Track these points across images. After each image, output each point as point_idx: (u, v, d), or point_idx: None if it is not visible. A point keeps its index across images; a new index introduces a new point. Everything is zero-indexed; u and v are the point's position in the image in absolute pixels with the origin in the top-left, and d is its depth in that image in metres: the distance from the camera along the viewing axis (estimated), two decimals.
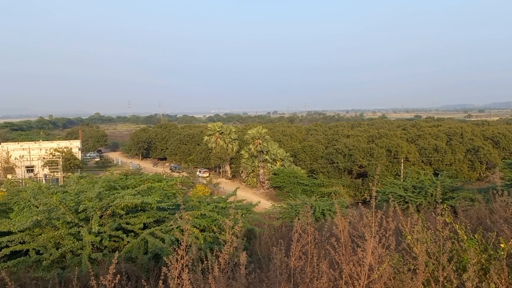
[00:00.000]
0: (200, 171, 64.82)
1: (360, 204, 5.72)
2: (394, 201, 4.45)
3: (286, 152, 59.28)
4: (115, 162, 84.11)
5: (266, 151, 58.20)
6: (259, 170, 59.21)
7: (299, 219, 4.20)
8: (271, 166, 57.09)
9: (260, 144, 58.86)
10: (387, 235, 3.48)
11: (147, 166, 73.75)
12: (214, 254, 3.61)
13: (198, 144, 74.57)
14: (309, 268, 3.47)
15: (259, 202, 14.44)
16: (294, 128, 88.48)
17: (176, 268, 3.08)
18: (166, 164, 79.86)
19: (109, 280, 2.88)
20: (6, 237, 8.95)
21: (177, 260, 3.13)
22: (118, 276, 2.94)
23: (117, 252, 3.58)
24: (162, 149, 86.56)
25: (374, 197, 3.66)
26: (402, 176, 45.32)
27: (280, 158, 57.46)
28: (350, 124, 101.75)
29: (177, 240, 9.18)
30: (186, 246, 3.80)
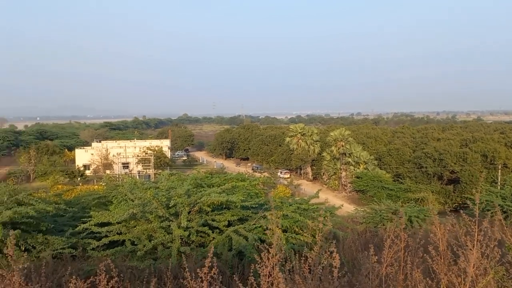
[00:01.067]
0: (281, 172, 65.21)
1: (451, 212, 5.34)
2: (494, 210, 4.08)
3: (370, 155, 57.37)
4: (200, 161, 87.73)
5: (349, 154, 56.84)
6: (341, 173, 58.02)
7: (383, 225, 4.03)
8: (354, 169, 55.63)
9: (342, 146, 57.66)
10: (491, 246, 3.19)
11: (230, 166, 75.89)
12: (302, 255, 3.60)
13: (280, 145, 75.07)
14: (401, 275, 3.30)
15: (342, 205, 14.13)
16: (379, 130, 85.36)
17: (267, 266, 3.11)
18: (248, 164, 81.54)
19: (205, 273, 3.00)
20: (106, 227, 9.76)
21: (268, 258, 3.16)
22: (214, 269, 3.05)
23: (212, 247, 3.71)
24: (244, 149, 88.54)
25: (477, 204, 3.37)
26: (499, 184, 41.55)
27: (364, 161, 55.78)
28: (441, 127, 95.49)
29: (260, 239, 9.32)
30: (270, 245, 3.82)
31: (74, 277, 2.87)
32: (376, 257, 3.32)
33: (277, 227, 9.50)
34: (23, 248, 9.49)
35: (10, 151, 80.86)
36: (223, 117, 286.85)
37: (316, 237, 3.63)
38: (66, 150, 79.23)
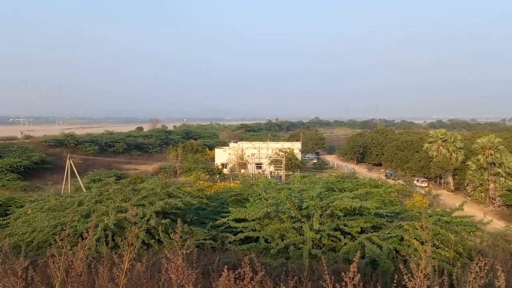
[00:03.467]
0: (418, 180, 61.00)
1: None
2: None
3: None
4: (330, 165, 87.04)
5: (499, 163, 50.46)
6: (488, 185, 51.83)
7: None
8: (505, 181, 49.21)
9: (491, 155, 51.44)
10: None
11: (362, 171, 73.71)
12: (447, 272, 3.31)
13: (417, 152, 70.30)
14: None
15: (491, 221, 12.64)
16: None
17: (418, 277, 2.94)
18: (381, 170, 78.12)
19: (350, 277, 2.98)
20: (242, 223, 10.35)
21: (416, 270, 2.99)
22: (358, 275, 3.01)
23: (358, 252, 3.66)
24: (377, 155, 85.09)
25: None
26: None
27: None
28: None
29: (395, 249, 8.87)
30: (407, 257, 3.58)
31: (226, 267, 3.10)
32: None
33: (414, 238, 8.92)
34: (171, 236, 10.62)
35: (161, 148, 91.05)
36: (355, 121, 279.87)
37: (472, 253, 3.30)
38: (207, 149, 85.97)
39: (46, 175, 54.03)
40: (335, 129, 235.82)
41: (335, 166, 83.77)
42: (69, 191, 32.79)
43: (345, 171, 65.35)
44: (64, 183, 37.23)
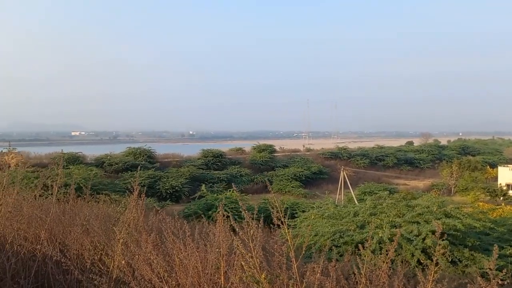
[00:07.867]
0: None
1: None
2: None
3: None
4: None
5: None
6: None
7: None
8: None
9: None
10: None
11: None
12: None
13: None
14: None
15: None
16: None
17: None
18: None
19: None
20: None
21: None
22: None
23: None
24: None
25: None
26: None
27: None
28: None
29: None
30: None
31: None
32: None
33: None
34: (450, 260, 9.89)
35: (433, 164, 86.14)
36: None
37: None
38: (488, 166, 76.17)
39: (322, 185, 59.55)
40: None
41: None
42: (342, 201, 35.06)
43: None
44: (338, 193, 40.06)
